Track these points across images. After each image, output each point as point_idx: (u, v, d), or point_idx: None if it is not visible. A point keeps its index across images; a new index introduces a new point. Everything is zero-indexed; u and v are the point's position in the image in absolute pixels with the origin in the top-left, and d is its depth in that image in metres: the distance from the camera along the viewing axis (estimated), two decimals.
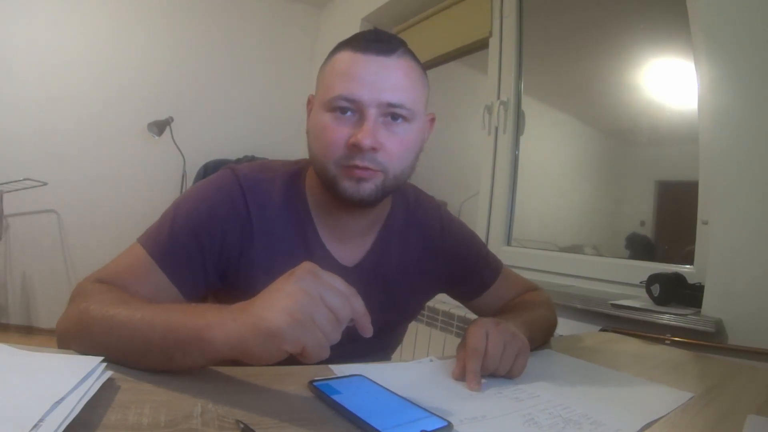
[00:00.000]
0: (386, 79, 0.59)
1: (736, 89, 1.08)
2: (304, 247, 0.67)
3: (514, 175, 1.90)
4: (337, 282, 0.44)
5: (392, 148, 0.60)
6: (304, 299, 0.41)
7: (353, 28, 2.79)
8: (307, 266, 0.44)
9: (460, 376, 0.55)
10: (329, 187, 0.63)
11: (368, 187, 0.61)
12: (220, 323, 0.43)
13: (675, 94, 1.45)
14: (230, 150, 2.93)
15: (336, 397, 0.42)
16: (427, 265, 0.78)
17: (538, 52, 1.94)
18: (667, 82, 1.48)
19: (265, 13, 3.23)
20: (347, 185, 0.60)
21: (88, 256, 2.82)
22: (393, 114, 0.60)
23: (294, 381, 0.47)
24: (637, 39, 1.57)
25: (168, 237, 0.60)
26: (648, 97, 1.54)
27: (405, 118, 0.61)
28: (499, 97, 1.93)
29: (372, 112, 0.58)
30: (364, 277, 0.69)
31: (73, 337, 0.50)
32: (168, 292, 0.59)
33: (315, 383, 0.45)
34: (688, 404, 0.55)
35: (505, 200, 1.88)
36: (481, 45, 2.13)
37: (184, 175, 2.86)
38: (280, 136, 3.19)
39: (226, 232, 0.63)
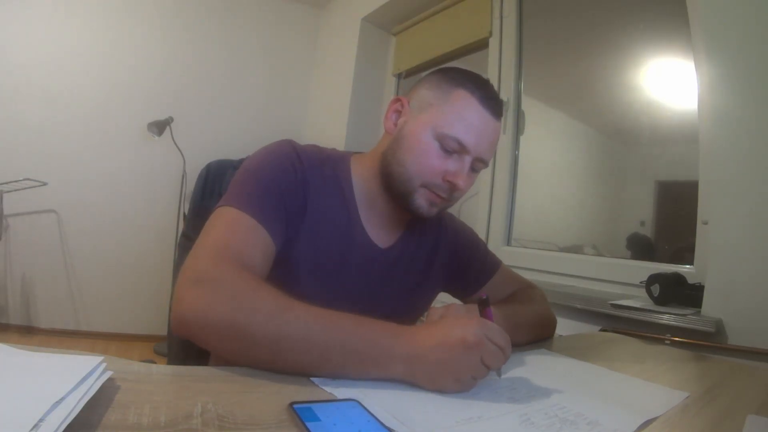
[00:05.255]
0: (490, 140, 0.69)
1: (736, 89, 1.08)
2: (347, 225, 0.72)
3: (514, 175, 1.90)
4: (500, 339, 0.52)
5: (465, 187, 0.71)
6: (471, 370, 0.49)
7: (353, 28, 2.80)
8: (478, 335, 0.50)
9: None
10: (399, 195, 0.70)
11: (434, 211, 0.71)
12: (399, 362, 0.50)
13: (675, 94, 1.45)
14: (230, 150, 2.91)
15: (311, 425, 0.37)
16: (435, 255, 0.83)
17: (538, 52, 1.94)
18: (667, 82, 1.48)
19: (265, 13, 3.23)
20: (422, 204, 0.70)
21: (88, 256, 2.82)
22: (477, 165, 0.70)
23: (296, 380, 0.47)
24: (637, 39, 1.57)
25: (261, 197, 0.64)
26: (648, 97, 1.54)
27: (479, 170, 0.72)
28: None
29: (469, 161, 0.68)
30: (394, 258, 0.77)
31: (222, 336, 0.50)
32: (270, 250, 0.63)
33: (294, 406, 0.40)
34: (688, 404, 0.55)
35: (505, 200, 1.88)
36: (481, 45, 2.13)
37: (184, 175, 2.86)
38: (281, 136, 3.17)
39: (296, 195, 0.67)
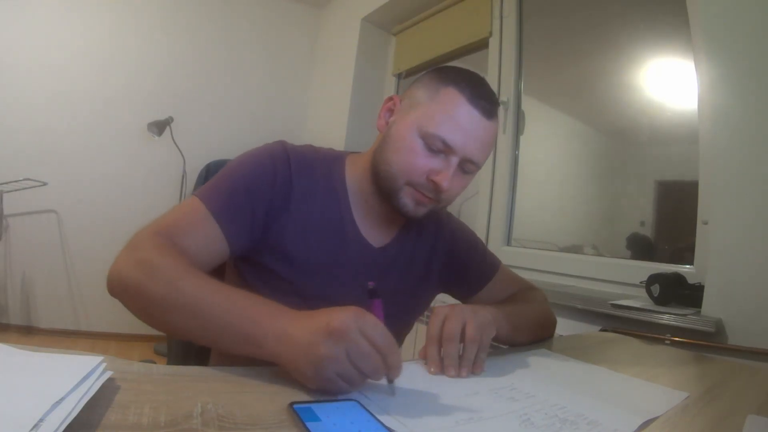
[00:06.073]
0: (480, 141, 0.66)
1: (736, 89, 1.08)
2: (339, 224, 0.72)
3: (514, 175, 1.90)
4: (376, 336, 0.45)
5: (453, 190, 0.69)
6: (334, 364, 0.44)
7: (353, 28, 2.80)
8: (344, 322, 0.44)
9: (423, 355, 0.59)
10: (387, 194, 0.70)
11: (423, 211, 0.70)
12: (270, 340, 0.47)
13: (675, 94, 1.45)
14: (230, 150, 2.91)
15: (311, 425, 0.37)
16: (434, 256, 0.83)
17: (538, 52, 1.94)
18: (667, 82, 1.48)
19: (265, 13, 3.23)
20: (407, 203, 0.69)
21: (88, 256, 2.82)
22: (467, 167, 0.68)
23: (296, 380, 0.47)
24: (637, 39, 1.57)
25: (225, 193, 0.65)
26: (648, 97, 1.54)
27: (472, 172, 0.70)
28: (499, 97, 1.93)
29: (456, 161, 0.66)
30: (389, 259, 0.76)
31: (129, 295, 0.55)
32: (217, 245, 0.64)
33: (294, 406, 0.40)
34: (688, 404, 0.55)
35: (505, 200, 1.88)
36: (481, 45, 2.13)
37: (184, 175, 2.86)
38: (281, 136, 3.18)
39: (273, 195, 0.68)
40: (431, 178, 0.66)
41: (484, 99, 0.66)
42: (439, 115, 0.65)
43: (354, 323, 0.44)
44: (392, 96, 0.74)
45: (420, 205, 0.69)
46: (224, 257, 0.65)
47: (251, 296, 0.52)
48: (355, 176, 0.75)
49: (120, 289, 0.55)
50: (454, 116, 0.65)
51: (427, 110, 0.66)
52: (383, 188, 0.70)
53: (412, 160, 0.66)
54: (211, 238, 0.63)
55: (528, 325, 0.76)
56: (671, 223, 1.49)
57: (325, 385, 0.44)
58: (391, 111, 0.73)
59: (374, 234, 0.75)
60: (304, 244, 0.69)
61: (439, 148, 0.65)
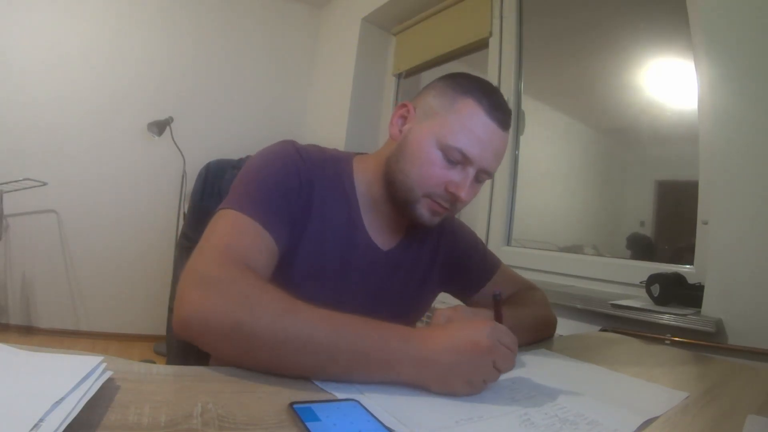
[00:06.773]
0: (495, 151, 0.68)
1: (736, 89, 1.08)
2: (348, 226, 0.72)
3: (514, 175, 1.90)
4: (510, 341, 0.52)
5: (468, 199, 0.69)
6: (483, 374, 0.50)
7: (353, 28, 2.80)
8: (491, 339, 0.50)
9: None
10: (402, 202, 0.70)
11: (437, 219, 0.71)
12: (409, 364, 0.49)
13: (675, 94, 1.45)
14: (230, 150, 2.91)
15: (311, 425, 0.37)
16: (435, 257, 0.83)
17: (538, 52, 1.94)
18: (667, 82, 1.48)
19: (265, 13, 3.23)
20: (424, 213, 0.69)
21: (88, 256, 2.82)
22: (482, 176, 0.70)
23: (296, 380, 0.47)
24: (637, 39, 1.57)
25: (262, 199, 0.63)
26: (648, 97, 1.54)
27: (485, 180, 0.71)
28: None
29: (473, 172, 0.67)
30: (395, 261, 0.77)
31: (223, 337, 0.48)
32: (273, 252, 0.62)
33: (294, 406, 0.40)
34: (688, 404, 0.55)
35: (505, 200, 1.88)
36: (481, 45, 2.13)
37: (184, 175, 2.86)
38: (281, 136, 3.17)
39: (299, 196, 0.67)
40: (450, 190, 0.67)
41: (500, 110, 0.67)
42: (458, 127, 0.65)
43: (495, 338, 0.51)
44: (405, 102, 0.73)
45: (436, 215, 0.70)
46: (276, 263, 0.63)
47: (366, 320, 0.50)
48: (363, 179, 0.74)
49: (213, 331, 0.48)
50: (473, 128, 0.65)
51: (445, 121, 0.66)
52: (399, 197, 0.70)
53: (431, 172, 0.67)
54: (268, 249, 0.61)
55: (526, 329, 0.75)
56: (671, 223, 1.49)
57: (474, 391, 0.50)
58: (404, 118, 0.72)
59: (382, 237, 0.75)
60: (315, 246, 0.68)
61: (457, 159, 0.66)
